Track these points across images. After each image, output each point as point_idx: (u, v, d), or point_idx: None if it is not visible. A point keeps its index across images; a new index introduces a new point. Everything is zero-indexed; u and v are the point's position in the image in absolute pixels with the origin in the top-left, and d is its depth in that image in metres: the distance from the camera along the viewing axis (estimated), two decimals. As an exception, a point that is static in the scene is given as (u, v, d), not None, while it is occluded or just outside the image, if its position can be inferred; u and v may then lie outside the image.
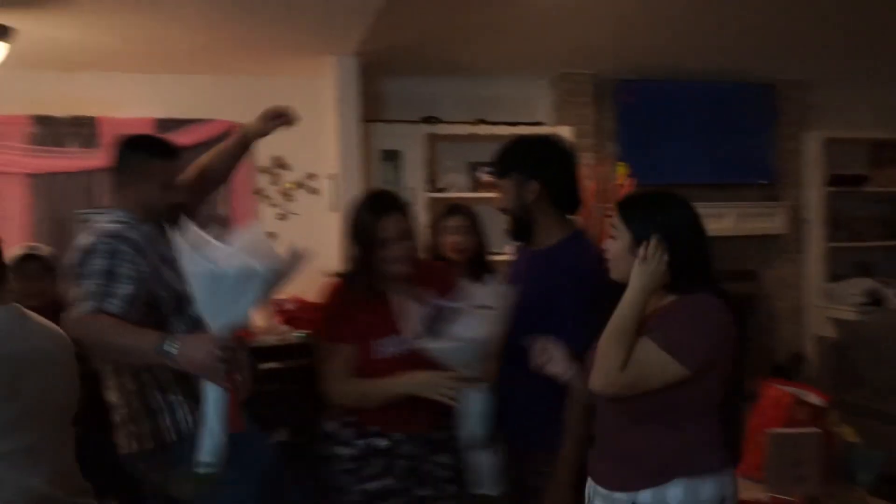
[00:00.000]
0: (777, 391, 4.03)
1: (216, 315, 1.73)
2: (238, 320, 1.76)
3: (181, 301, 1.98)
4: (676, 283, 1.67)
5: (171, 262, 1.94)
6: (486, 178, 4.96)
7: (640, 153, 5.20)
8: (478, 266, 2.84)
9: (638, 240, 1.67)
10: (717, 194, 5.43)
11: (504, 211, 2.15)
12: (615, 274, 1.73)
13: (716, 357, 1.62)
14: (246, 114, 4.61)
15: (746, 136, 5.49)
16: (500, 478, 2.02)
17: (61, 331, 1.78)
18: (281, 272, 1.78)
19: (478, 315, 1.85)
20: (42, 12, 3.32)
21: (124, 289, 1.91)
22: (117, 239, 1.98)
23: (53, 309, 2.04)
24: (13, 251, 3.08)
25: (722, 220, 5.37)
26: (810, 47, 4.73)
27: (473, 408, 1.96)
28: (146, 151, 2.07)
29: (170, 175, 2.08)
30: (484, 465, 2.00)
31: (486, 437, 1.98)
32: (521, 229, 2.13)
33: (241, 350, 1.84)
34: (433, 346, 1.89)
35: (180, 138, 4.40)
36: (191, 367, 1.79)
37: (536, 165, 2.08)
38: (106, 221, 2.05)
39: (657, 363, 1.58)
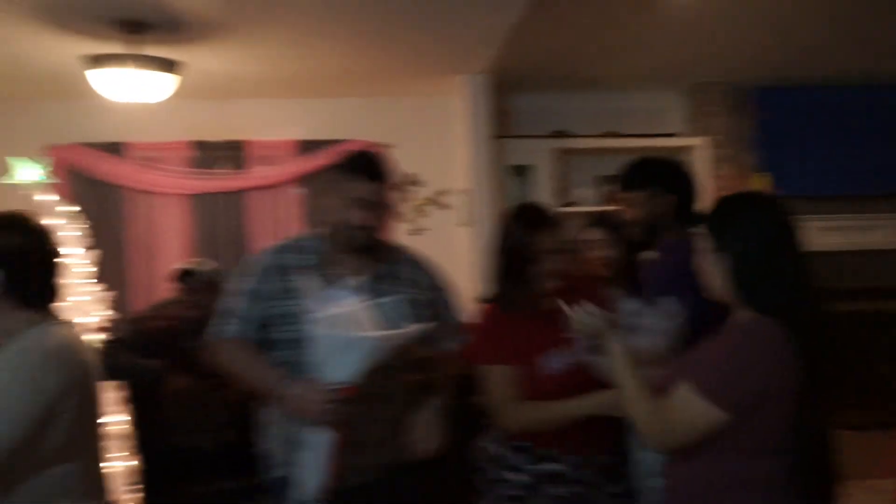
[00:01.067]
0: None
1: (331, 372, 1.79)
2: (348, 380, 1.80)
3: (296, 342, 1.93)
4: (745, 299, 1.53)
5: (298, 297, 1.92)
6: (614, 191, 4.90)
7: (782, 163, 4.97)
8: (628, 279, 2.74)
9: (718, 247, 1.55)
10: (867, 205, 5.10)
11: (634, 223, 2.17)
12: (710, 288, 1.61)
13: (763, 393, 1.46)
14: (382, 133, 4.88)
15: (899, 143, 5.13)
16: None
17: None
18: (399, 343, 1.83)
19: (650, 329, 1.79)
20: (203, 47, 3.62)
21: (244, 307, 1.96)
22: (261, 256, 2.01)
23: (206, 321, 2.17)
24: (177, 266, 3.36)
25: (872, 232, 5.04)
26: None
27: None
28: (340, 168, 1.97)
29: (358, 194, 1.92)
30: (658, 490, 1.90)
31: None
32: (650, 240, 2.16)
33: (352, 405, 1.82)
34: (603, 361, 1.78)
35: (321, 158, 4.67)
36: (296, 413, 1.84)
37: (674, 180, 2.15)
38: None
39: (697, 412, 1.46)
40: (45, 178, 3.06)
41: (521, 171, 4.82)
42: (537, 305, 1.99)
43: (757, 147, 5.05)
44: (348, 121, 4.88)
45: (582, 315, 1.73)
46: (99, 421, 1.74)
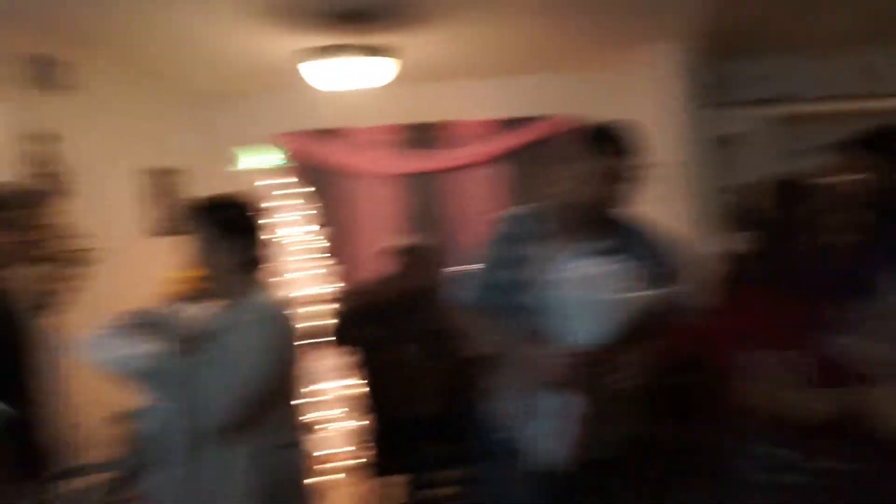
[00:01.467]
0: None
1: (573, 334, 1.76)
2: (591, 343, 1.75)
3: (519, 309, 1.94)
4: None
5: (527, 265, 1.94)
6: (846, 159, 4.52)
7: None
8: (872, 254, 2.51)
9: None
10: None
11: (871, 193, 2.02)
12: None
13: None
14: (580, 109, 4.80)
15: None
16: None
17: None
18: (640, 307, 1.78)
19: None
20: (411, 33, 3.77)
21: (481, 274, 2.00)
22: (496, 225, 2.05)
23: (426, 293, 2.25)
24: (397, 242, 3.59)
25: None
26: None
27: None
28: (576, 141, 1.94)
29: (593, 168, 1.88)
30: None
31: None
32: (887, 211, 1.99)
33: (594, 369, 1.77)
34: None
35: (519, 136, 4.72)
36: (537, 377, 1.82)
37: None
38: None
39: None
40: (283, 161, 3.34)
41: (732, 141, 4.58)
42: (795, 284, 1.85)
43: None
44: (547, 98, 4.86)
45: (841, 296, 1.62)
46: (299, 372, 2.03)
